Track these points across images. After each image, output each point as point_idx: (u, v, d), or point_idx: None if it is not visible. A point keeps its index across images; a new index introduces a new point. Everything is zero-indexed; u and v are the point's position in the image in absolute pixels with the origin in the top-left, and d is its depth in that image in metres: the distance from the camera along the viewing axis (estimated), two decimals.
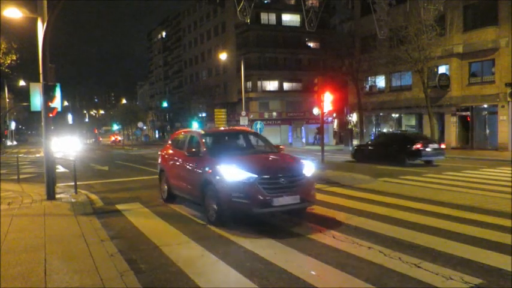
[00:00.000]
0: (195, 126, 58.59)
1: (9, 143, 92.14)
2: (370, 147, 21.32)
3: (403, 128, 35.23)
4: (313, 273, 5.00)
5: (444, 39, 28.24)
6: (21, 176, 15.03)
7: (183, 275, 4.96)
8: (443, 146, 20.74)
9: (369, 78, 37.66)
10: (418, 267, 5.03)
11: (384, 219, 7.65)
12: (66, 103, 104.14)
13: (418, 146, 18.42)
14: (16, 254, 5.59)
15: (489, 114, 28.08)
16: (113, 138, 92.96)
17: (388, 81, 35.76)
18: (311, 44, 56.09)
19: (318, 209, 8.70)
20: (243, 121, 38.52)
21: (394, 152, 18.97)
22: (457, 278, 4.64)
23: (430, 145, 18.94)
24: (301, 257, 5.59)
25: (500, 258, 5.33)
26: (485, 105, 27.98)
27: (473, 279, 4.61)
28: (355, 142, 34.85)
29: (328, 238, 6.44)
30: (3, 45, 23.12)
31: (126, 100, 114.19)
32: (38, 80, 10.49)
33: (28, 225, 7.37)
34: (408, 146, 18.64)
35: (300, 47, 54.47)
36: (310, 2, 30.37)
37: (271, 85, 55.66)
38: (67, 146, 27.03)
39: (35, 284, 4.53)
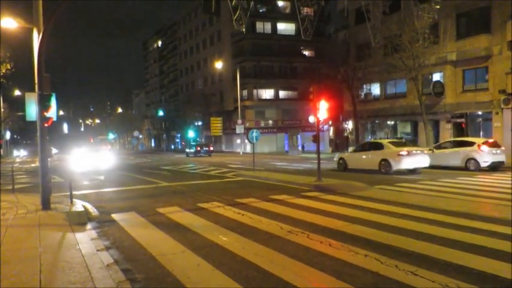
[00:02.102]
0: (191, 134, 58.71)
1: (54, 150, 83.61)
2: (190, 149, 45.63)
3: (399, 135, 35.42)
4: (309, 281, 5.00)
5: (438, 47, 28.50)
6: (16, 186, 14.93)
7: (180, 285, 4.94)
8: (211, 148, 46.64)
9: (364, 86, 37.87)
10: (415, 274, 5.03)
11: (380, 226, 7.67)
12: (61, 112, 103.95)
13: (198, 148, 44.12)
14: (11, 265, 5.54)
15: (483, 121, 28.27)
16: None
17: (383, 88, 35.97)
18: (306, 53, 56.48)
19: (314, 217, 8.71)
20: (239, 129, 38.50)
21: (196, 150, 44.01)
22: (453, 286, 4.65)
23: (204, 148, 44.80)
24: (298, 265, 5.58)
25: (496, 264, 5.35)
26: (480, 112, 28.18)
27: (469, 286, 4.62)
28: (351, 149, 34.93)
29: (325, 246, 6.44)
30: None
31: (121, 109, 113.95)
32: (33, 90, 10.49)
33: (23, 236, 7.32)
34: (196, 148, 44.26)
35: (295, 55, 54.83)
36: (305, 11, 30.59)
37: (267, 93, 55.87)
38: (99, 158, 25.68)
39: None
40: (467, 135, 28.23)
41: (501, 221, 7.79)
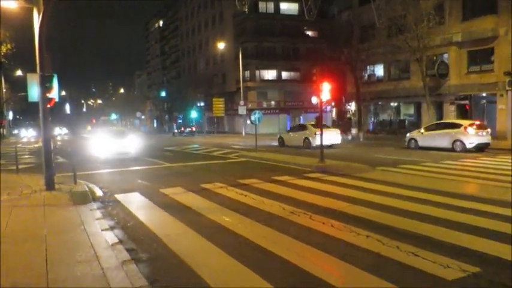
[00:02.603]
0: (194, 115, 58.75)
1: (64, 130, 76.14)
2: (177, 130, 55.93)
3: (402, 117, 35.28)
4: (312, 262, 5.05)
5: (443, 28, 28.12)
6: (20, 166, 15.01)
7: (183, 264, 5.00)
8: (194, 129, 54.54)
9: (368, 68, 37.54)
10: (416, 255, 5.08)
11: (382, 208, 7.70)
12: (63, 93, 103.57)
13: (182, 128, 55.41)
14: (16, 245, 5.61)
15: (488, 103, 28.07)
16: None
17: (386, 70, 35.66)
18: (309, 33, 55.78)
19: (316, 198, 8.74)
20: (241, 110, 38.40)
21: (180, 130, 55.41)
22: (454, 267, 4.69)
23: (188, 129, 54.57)
24: (301, 245, 5.63)
25: (498, 247, 5.38)
26: (484, 94, 27.96)
27: (470, 268, 4.66)
28: (354, 131, 34.97)
29: (327, 227, 6.48)
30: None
31: (124, 90, 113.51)
32: (34, 70, 10.43)
33: (28, 216, 7.39)
34: (180, 129, 56.20)
35: (298, 36, 54.17)
36: None
37: (270, 74, 55.51)
38: (126, 144, 21.81)
39: (36, 274, 4.56)
40: (471, 118, 28.10)
41: (503, 203, 7.81)
